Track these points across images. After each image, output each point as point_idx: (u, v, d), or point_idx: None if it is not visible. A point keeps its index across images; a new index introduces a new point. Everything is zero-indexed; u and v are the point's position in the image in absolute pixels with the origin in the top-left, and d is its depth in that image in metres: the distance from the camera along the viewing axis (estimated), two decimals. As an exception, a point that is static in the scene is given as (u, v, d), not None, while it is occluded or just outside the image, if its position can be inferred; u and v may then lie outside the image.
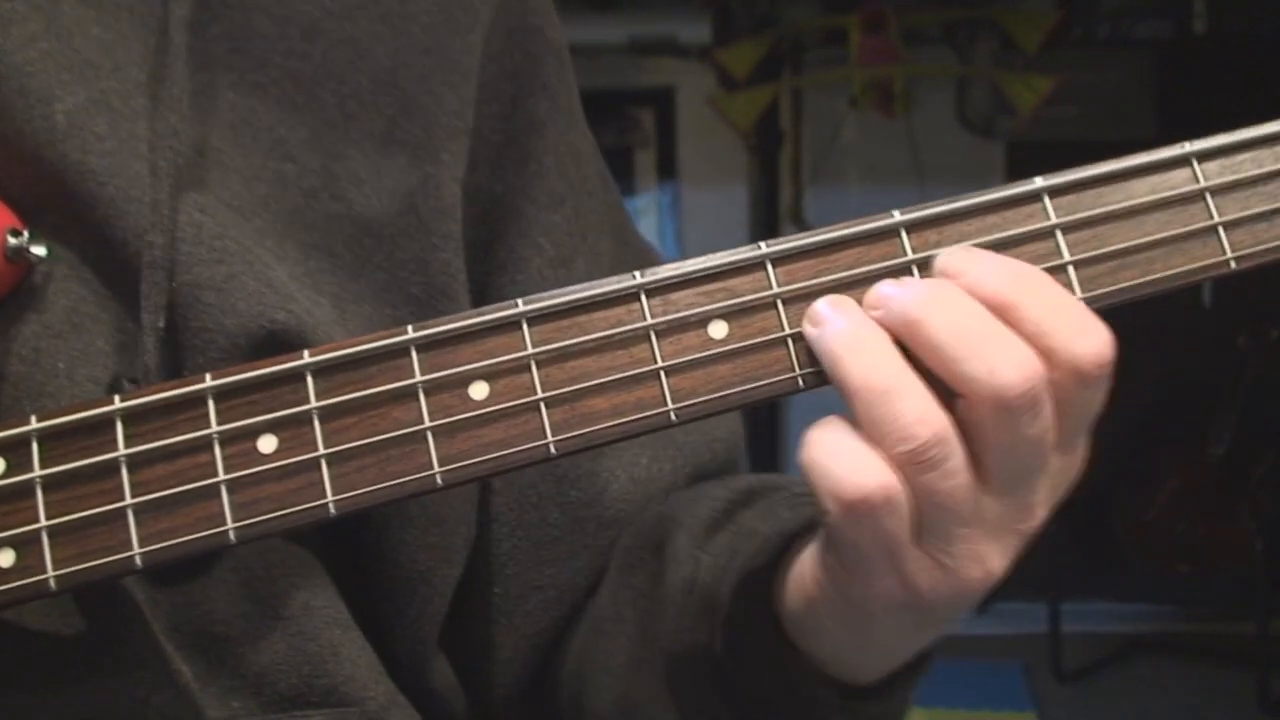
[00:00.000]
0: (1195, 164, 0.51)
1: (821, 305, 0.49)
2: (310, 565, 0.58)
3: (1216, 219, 0.51)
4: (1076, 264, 0.51)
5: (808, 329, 0.49)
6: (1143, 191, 0.51)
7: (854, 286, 0.50)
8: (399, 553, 0.60)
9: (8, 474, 0.48)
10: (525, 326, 0.49)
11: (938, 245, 0.50)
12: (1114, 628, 4.10)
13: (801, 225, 4.74)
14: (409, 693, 0.62)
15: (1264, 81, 4.07)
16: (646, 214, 4.88)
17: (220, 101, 0.58)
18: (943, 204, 0.51)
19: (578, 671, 0.67)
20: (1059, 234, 0.51)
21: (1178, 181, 0.51)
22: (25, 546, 0.47)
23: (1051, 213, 0.51)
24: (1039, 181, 0.51)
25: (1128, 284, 0.51)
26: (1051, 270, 0.50)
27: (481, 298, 0.65)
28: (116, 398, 0.48)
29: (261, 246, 0.57)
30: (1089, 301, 0.50)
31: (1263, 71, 4.10)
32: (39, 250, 0.53)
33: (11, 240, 0.52)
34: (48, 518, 0.47)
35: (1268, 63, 4.11)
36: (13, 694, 0.52)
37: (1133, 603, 4.10)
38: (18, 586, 0.47)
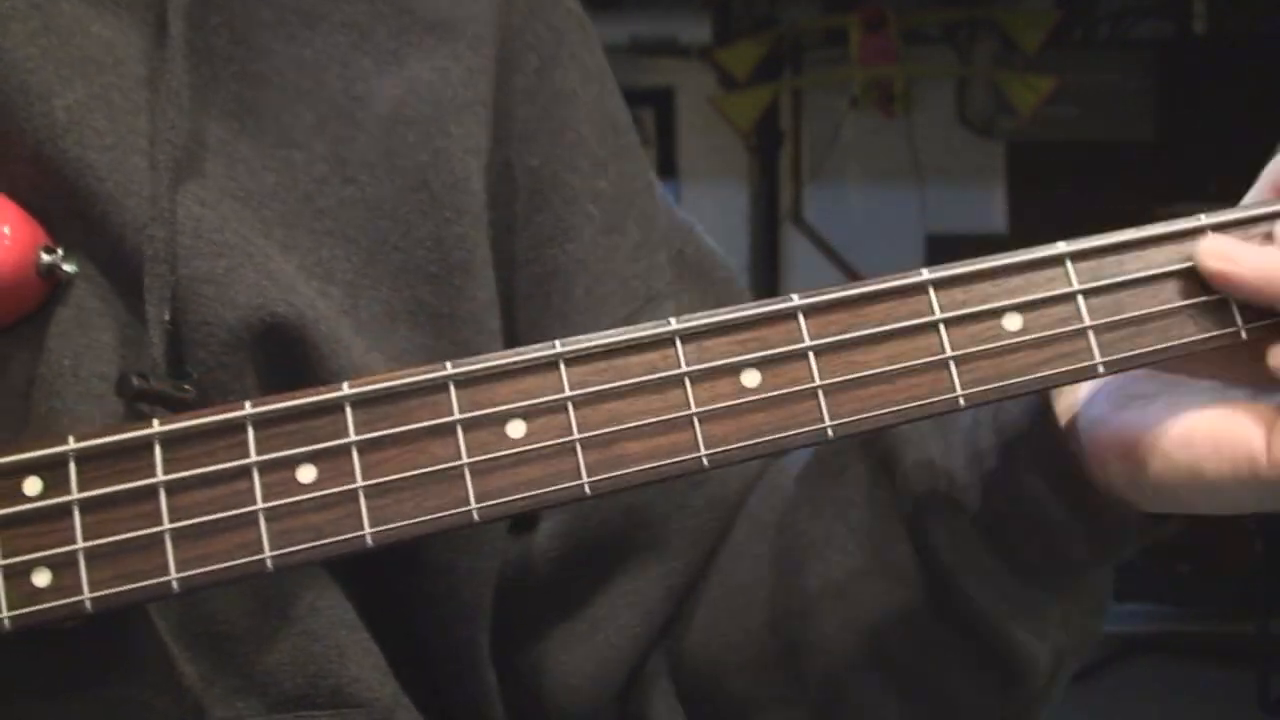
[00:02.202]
0: (1211, 235, 0.53)
1: (1224, 244, 0.53)
2: (317, 567, 0.58)
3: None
4: (1096, 329, 0.52)
5: (1215, 265, 0.52)
6: (1160, 260, 0.53)
7: (884, 341, 0.51)
8: (417, 547, 0.60)
9: (45, 494, 0.48)
10: (563, 367, 0.50)
11: (964, 304, 0.52)
12: (1114, 628, 4.09)
13: (802, 225, 4.75)
14: (445, 702, 0.62)
15: (1264, 81, 4.07)
16: (647, 213, 4.88)
17: (224, 92, 0.58)
18: (969, 264, 0.52)
19: (774, 617, 0.65)
20: (1080, 299, 0.52)
21: (1194, 252, 0.53)
22: (62, 568, 0.48)
23: (1074, 278, 0.52)
24: (1062, 246, 0.53)
25: (1145, 350, 0.52)
26: (1071, 334, 0.52)
27: (531, 271, 0.65)
28: (155, 422, 0.48)
29: (269, 237, 0.57)
30: (1107, 367, 0.52)
31: (1263, 71, 4.11)
32: (69, 267, 0.54)
33: (45, 257, 0.53)
34: (85, 539, 0.48)
35: (1268, 63, 4.11)
36: (17, 697, 0.53)
37: (1133, 603, 4.10)
38: (54, 607, 0.48)
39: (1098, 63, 4.48)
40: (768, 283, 4.78)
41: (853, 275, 4.67)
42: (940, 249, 4.49)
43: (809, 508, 0.65)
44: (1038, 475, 0.58)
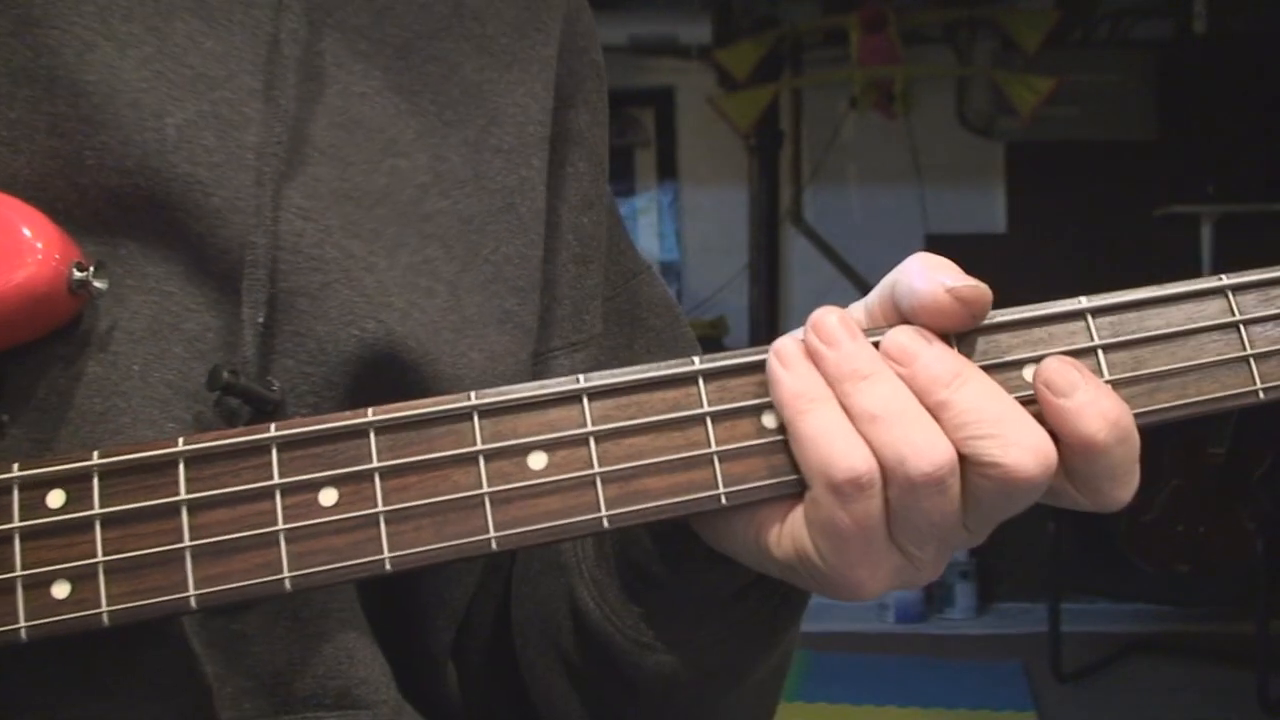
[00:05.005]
0: (1231, 296, 0.53)
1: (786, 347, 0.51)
2: None
3: (1248, 350, 0.53)
4: (1115, 383, 0.52)
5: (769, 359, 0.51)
6: (1180, 319, 0.53)
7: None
8: (420, 575, 0.61)
9: (67, 507, 0.49)
10: (585, 401, 0.50)
11: (984, 355, 0.52)
12: (1114, 628, 4.11)
13: (801, 225, 4.75)
14: (421, 700, 0.63)
15: (1264, 81, 4.08)
16: (646, 214, 4.88)
17: (331, 106, 0.61)
18: (994, 314, 0.52)
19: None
20: (1100, 353, 0.52)
21: (1213, 312, 0.53)
22: (81, 580, 0.48)
23: (1095, 332, 0.53)
24: (1084, 301, 0.53)
25: (1163, 405, 0.52)
26: None
27: None
28: (180, 440, 0.49)
29: (379, 237, 0.59)
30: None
31: (1263, 71, 4.11)
32: (100, 284, 0.54)
33: (77, 274, 0.53)
34: (105, 554, 0.48)
35: (1268, 63, 4.12)
36: (40, 692, 0.53)
37: (1133, 603, 4.11)
38: (71, 619, 0.48)
39: (1098, 63, 4.49)
40: (767, 283, 4.79)
41: (852, 275, 4.68)
42: (940, 249, 4.48)
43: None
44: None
